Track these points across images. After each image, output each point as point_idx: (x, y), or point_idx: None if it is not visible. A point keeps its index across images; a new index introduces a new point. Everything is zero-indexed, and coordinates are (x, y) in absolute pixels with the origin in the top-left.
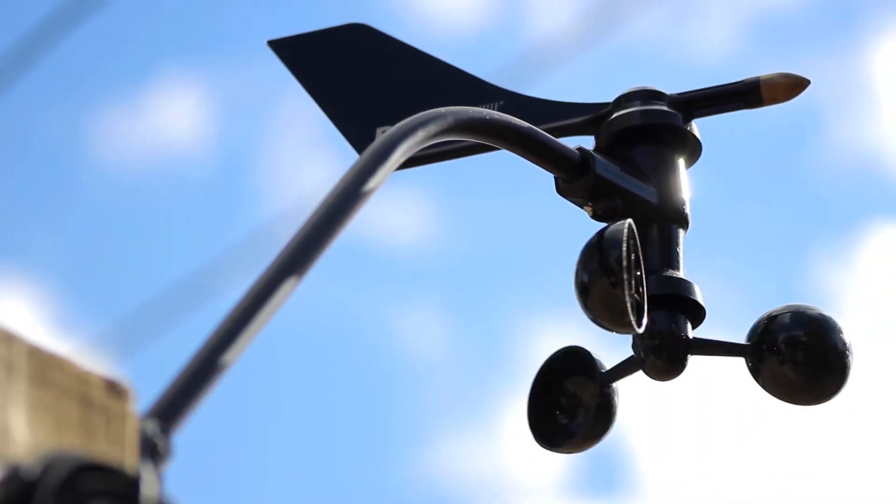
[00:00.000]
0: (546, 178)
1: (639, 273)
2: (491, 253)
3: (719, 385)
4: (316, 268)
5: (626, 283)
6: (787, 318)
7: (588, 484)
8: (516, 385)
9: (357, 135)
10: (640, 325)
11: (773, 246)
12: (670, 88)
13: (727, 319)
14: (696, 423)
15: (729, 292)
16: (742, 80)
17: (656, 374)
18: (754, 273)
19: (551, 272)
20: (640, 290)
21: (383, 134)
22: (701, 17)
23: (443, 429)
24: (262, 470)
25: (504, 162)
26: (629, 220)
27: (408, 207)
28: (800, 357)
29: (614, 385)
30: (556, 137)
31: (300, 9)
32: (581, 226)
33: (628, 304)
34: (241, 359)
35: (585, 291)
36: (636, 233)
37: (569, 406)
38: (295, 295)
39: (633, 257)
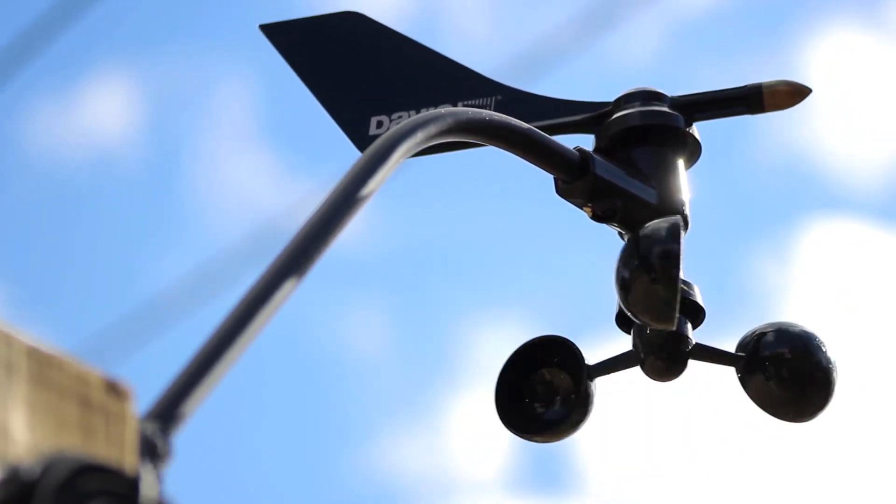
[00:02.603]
0: (490, 178)
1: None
2: (433, 251)
3: (664, 384)
4: (253, 267)
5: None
6: (772, 336)
7: (531, 480)
8: (459, 382)
9: (350, 121)
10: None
11: (709, 242)
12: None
13: None
14: (642, 423)
15: None
16: (744, 86)
17: (655, 375)
18: (691, 270)
19: (493, 271)
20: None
21: (382, 135)
22: (625, 21)
23: (387, 426)
24: (206, 467)
25: (447, 161)
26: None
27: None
28: (784, 374)
29: (593, 383)
30: (556, 135)
31: (236, 3)
32: (521, 227)
33: (677, 300)
34: (242, 359)
35: (630, 286)
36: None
37: (545, 395)
38: (238, 292)
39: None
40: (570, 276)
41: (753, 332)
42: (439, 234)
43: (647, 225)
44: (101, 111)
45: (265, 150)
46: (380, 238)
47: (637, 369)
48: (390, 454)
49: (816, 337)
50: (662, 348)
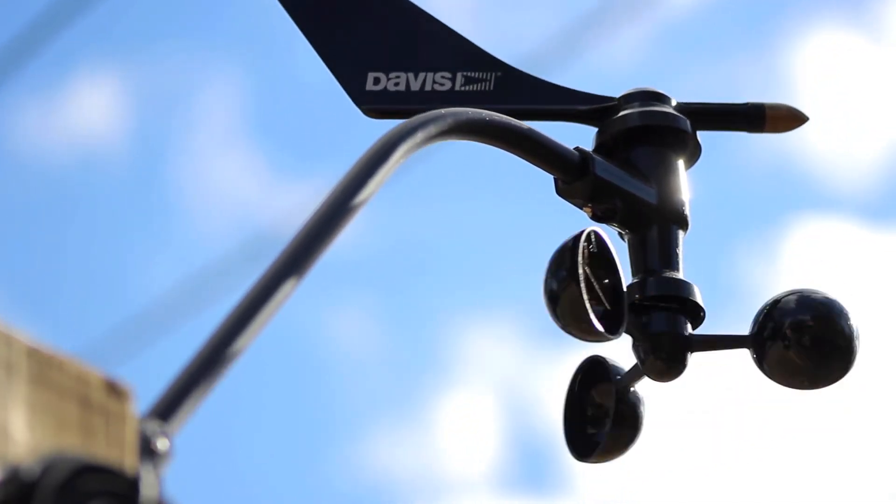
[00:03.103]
0: (476, 178)
1: (608, 280)
2: (422, 250)
3: (657, 384)
4: (240, 268)
5: (583, 291)
6: (792, 303)
7: (519, 479)
8: (447, 381)
9: (347, 76)
10: (614, 333)
11: (696, 241)
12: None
13: None
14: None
15: None
16: (746, 103)
17: (656, 376)
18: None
19: (482, 270)
20: (616, 295)
21: (382, 135)
22: (608, 21)
23: (375, 424)
24: (197, 467)
25: (435, 161)
26: (591, 229)
27: None
28: (806, 342)
29: (636, 391)
30: (556, 121)
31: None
32: (510, 226)
33: (591, 314)
34: (241, 359)
35: (552, 301)
36: (604, 240)
37: (595, 416)
38: (225, 294)
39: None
40: None
41: (773, 301)
42: (428, 233)
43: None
44: (88, 110)
45: (252, 149)
46: (369, 237)
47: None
48: (379, 453)
49: (839, 304)
50: (659, 349)
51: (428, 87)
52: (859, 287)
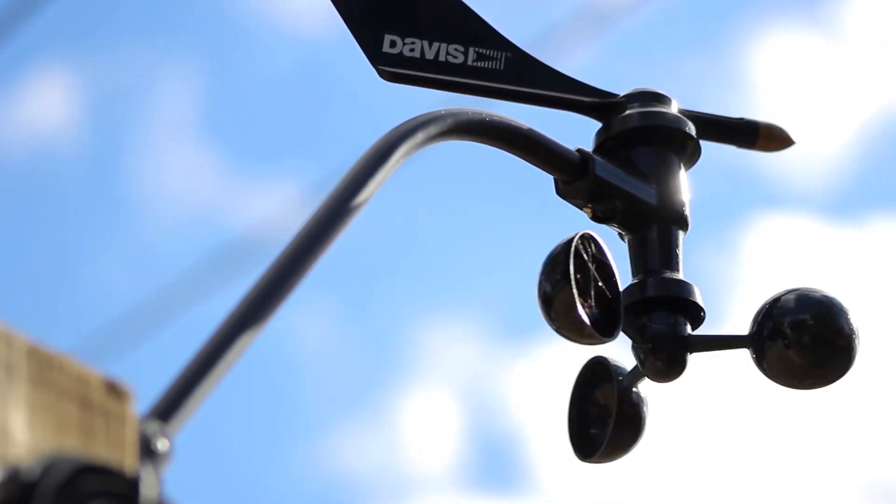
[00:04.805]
0: (439, 179)
1: (603, 283)
2: (384, 251)
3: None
4: (204, 268)
5: (576, 295)
6: (791, 302)
7: (481, 475)
8: (409, 379)
9: (365, 35)
10: (608, 335)
11: None
12: None
13: None
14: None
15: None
16: (742, 119)
17: (656, 376)
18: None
19: (442, 270)
20: (611, 298)
21: (382, 135)
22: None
23: (338, 422)
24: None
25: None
26: (583, 232)
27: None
28: (806, 340)
29: (639, 392)
30: (560, 109)
31: None
32: (472, 227)
33: (584, 317)
34: (240, 361)
35: (546, 303)
36: (599, 243)
37: (599, 416)
38: (187, 296)
39: (593, 267)
40: (520, 276)
41: (772, 300)
42: (391, 234)
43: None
44: (41, 105)
45: (206, 144)
46: None
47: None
48: (342, 451)
49: (838, 302)
50: (658, 350)
51: (441, 58)
52: (821, 282)
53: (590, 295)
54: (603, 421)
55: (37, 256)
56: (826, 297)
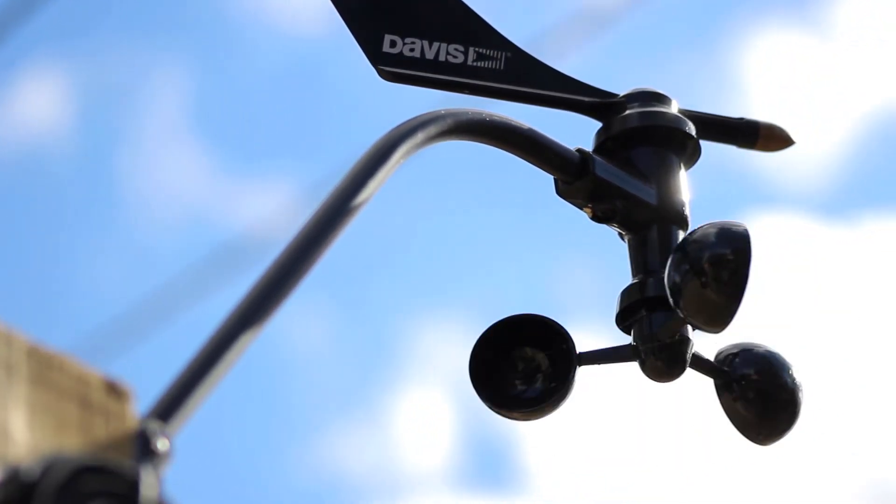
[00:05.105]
0: (431, 178)
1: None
2: (377, 249)
3: (610, 385)
4: (200, 268)
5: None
6: (740, 357)
7: (474, 474)
8: (402, 378)
9: (365, 35)
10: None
11: None
12: None
13: (602, 311)
14: (588, 422)
15: (601, 282)
16: (742, 119)
17: (655, 376)
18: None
19: (435, 269)
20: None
21: (382, 135)
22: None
23: (331, 421)
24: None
25: None
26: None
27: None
28: (751, 395)
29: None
30: (560, 109)
31: None
32: (465, 225)
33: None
34: (240, 360)
35: (689, 288)
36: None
37: (526, 373)
38: (183, 296)
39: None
40: (512, 275)
41: (728, 349)
42: (383, 232)
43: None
44: (33, 105)
45: (198, 142)
46: None
47: (625, 365)
48: (335, 450)
49: (782, 358)
50: (662, 350)
51: (441, 58)
52: (813, 281)
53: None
54: (531, 379)
55: (29, 255)
56: (769, 352)
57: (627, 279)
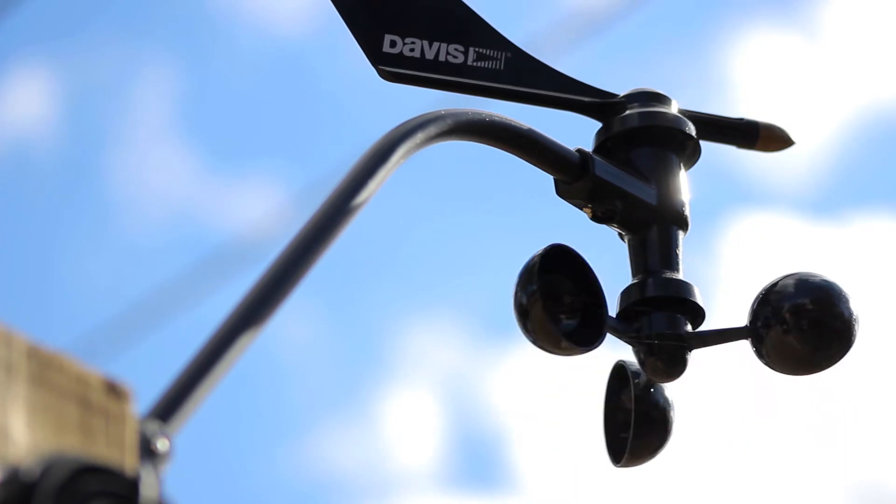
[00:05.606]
0: (421, 179)
1: (580, 294)
2: (367, 251)
3: (601, 384)
4: (190, 269)
5: (548, 311)
6: (790, 287)
7: (463, 473)
8: (391, 378)
9: (365, 35)
10: (588, 346)
11: None
12: None
13: None
14: (576, 421)
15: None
16: (742, 119)
17: (657, 376)
18: (620, 262)
19: (425, 270)
20: (593, 307)
21: (382, 135)
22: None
23: (321, 421)
24: None
25: None
26: (555, 244)
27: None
28: (805, 325)
29: (663, 393)
30: (560, 109)
31: None
32: (454, 227)
33: (558, 332)
34: (240, 361)
35: (522, 316)
36: (576, 255)
37: (625, 420)
38: (168, 294)
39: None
40: (502, 276)
41: (771, 285)
42: (373, 235)
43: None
44: (21, 102)
45: (185, 141)
46: None
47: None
48: (325, 449)
49: (838, 287)
50: (659, 350)
51: (441, 58)
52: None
53: (565, 306)
54: (628, 424)
55: (16, 254)
56: (825, 280)
57: (617, 277)
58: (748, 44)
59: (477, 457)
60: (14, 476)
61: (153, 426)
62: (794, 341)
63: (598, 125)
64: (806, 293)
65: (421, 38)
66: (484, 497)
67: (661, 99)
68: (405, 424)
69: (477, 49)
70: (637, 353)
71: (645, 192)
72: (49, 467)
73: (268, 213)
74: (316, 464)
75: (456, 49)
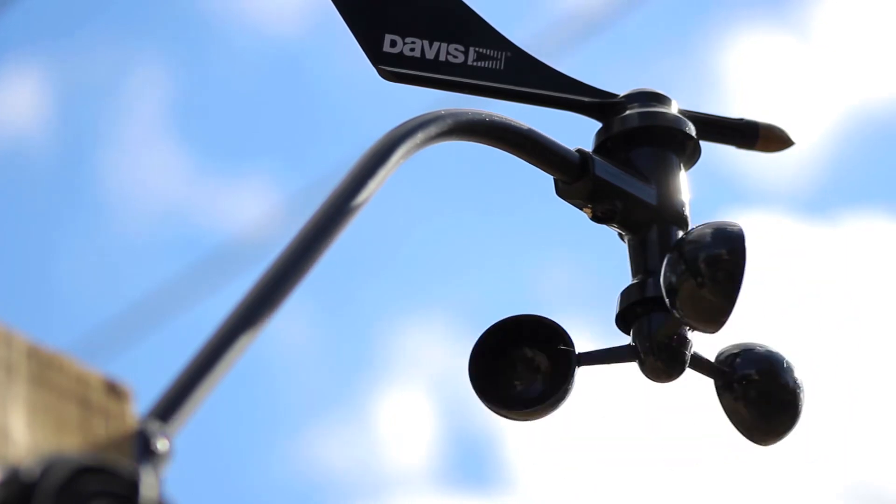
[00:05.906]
0: (414, 179)
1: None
2: (356, 252)
3: (600, 387)
4: (186, 267)
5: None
6: (741, 357)
7: (456, 473)
8: (384, 378)
9: (365, 35)
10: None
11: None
12: None
13: (585, 310)
14: (571, 421)
15: (585, 279)
16: (742, 119)
17: (655, 376)
18: (614, 263)
19: (417, 269)
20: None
21: (382, 135)
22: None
23: (314, 421)
24: None
25: None
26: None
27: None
28: (753, 395)
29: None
30: (560, 109)
31: None
32: (447, 227)
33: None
34: (240, 361)
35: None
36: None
37: (525, 373)
38: (160, 294)
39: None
40: (493, 277)
41: (729, 350)
42: (366, 235)
43: (693, 231)
44: (12, 102)
45: (177, 140)
46: None
47: (623, 365)
48: (318, 449)
49: (784, 358)
50: (664, 350)
51: (441, 58)
52: (794, 279)
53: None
54: (532, 378)
55: (10, 254)
56: (770, 352)
57: (611, 277)
58: (741, 44)
59: (471, 456)
60: (14, 476)
61: (153, 426)
62: (742, 408)
63: (598, 125)
64: (751, 364)
65: (421, 37)
66: (478, 496)
67: (661, 99)
68: (399, 424)
69: (477, 49)
70: (636, 352)
71: (645, 193)
72: (49, 467)
73: (263, 213)
74: (310, 463)
75: (456, 49)
